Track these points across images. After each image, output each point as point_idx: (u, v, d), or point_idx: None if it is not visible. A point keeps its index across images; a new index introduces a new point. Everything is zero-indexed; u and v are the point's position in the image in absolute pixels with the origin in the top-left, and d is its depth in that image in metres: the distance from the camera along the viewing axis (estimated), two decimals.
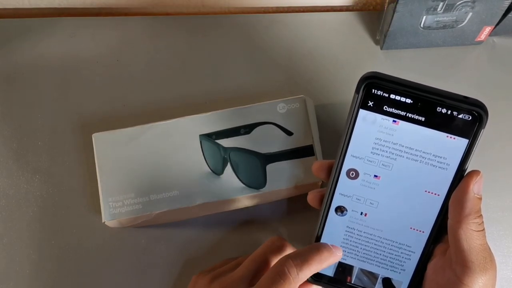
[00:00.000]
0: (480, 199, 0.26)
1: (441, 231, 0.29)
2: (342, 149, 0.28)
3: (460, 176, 0.27)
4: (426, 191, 0.28)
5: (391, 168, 0.28)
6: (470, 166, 0.27)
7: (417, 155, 0.27)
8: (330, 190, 0.29)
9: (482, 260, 0.26)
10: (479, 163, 0.30)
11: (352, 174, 0.29)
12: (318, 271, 0.28)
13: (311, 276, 0.31)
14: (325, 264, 0.28)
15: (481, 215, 0.26)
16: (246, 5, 0.45)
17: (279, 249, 0.32)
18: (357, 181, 0.29)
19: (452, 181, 0.27)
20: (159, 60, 0.43)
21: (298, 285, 0.27)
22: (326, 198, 0.30)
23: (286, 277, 0.27)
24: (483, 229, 0.26)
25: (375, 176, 0.28)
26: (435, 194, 0.28)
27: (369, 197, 0.29)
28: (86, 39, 0.43)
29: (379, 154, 0.28)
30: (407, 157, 0.27)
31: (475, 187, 0.26)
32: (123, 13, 0.47)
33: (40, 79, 0.42)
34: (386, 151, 0.28)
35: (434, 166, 0.27)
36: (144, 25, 0.44)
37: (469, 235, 0.26)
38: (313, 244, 0.30)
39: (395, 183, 0.28)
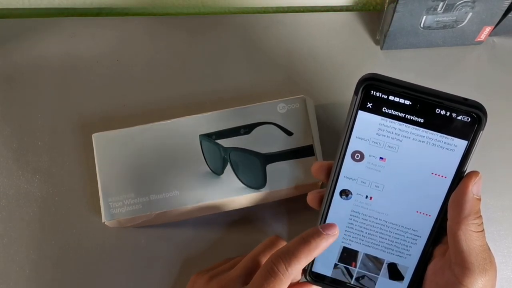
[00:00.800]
0: (479, 200, 0.26)
1: (441, 232, 0.29)
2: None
3: (460, 177, 0.27)
4: (432, 173, 0.28)
5: (396, 150, 0.28)
6: (469, 166, 0.27)
7: (423, 136, 0.27)
8: (335, 173, 0.29)
9: (482, 261, 0.26)
10: (479, 164, 0.30)
11: (357, 156, 0.28)
12: (309, 261, 0.28)
13: (311, 277, 0.31)
14: (315, 252, 0.28)
15: (480, 216, 0.26)
16: (246, 5, 0.45)
17: (276, 248, 0.32)
18: (362, 164, 0.28)
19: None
20: (159, 60, 0.43)
21: (289, 280, 0.27)
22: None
23: (276, 274, 0.27)
24: (483, 230, 0.26)
25: (381, 158, 0.28)
26: (442, 176, 0.27)
27: (374, 180, 0.29)
28: (86, 39, 0.43)
29: (384, 136, 0.28)
30: (413, 139, 0.27)
31: (474, 188, 0.26)
32: (123, 13, 0.47)
33: (40, 79, 0.42)
34: (392, 132, 0.27)
35: (441, 147, 0.27)
36: (144, 25, 0.44)
37: (469, 236, 0.26)
38: (301, 235, 0.29)
39: (401, 166, 0.28)
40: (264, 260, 0.31)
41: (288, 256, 0.27)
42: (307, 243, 0.28)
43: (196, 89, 0.42)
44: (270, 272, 0.27)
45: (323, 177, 0.30)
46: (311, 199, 0.31)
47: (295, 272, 0.27)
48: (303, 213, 0.39)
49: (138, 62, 0.43)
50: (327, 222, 0.30)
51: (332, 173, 0.29)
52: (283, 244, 0.32)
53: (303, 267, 0.28)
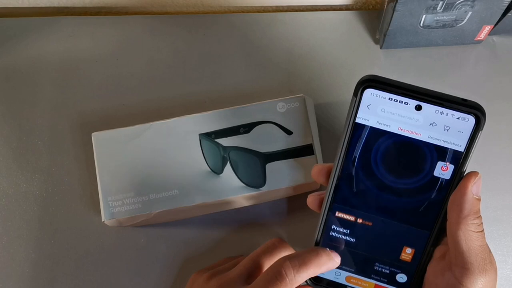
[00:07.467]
0: (479, 200, 0.26)
1: (441, 233, 0.29)
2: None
3: (459, 178, 0.27)
4: (433, 174, 0.28)
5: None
6: (468, 166, 0.27)
7: (423, 137, 0.27)
8: (334, 176, 0.29)
9: (482, 261, 0.26)
10: (479, 163, 0.30)
11: None
12: (315, 274, 0.28)
13: (310, 279, 0.31)
14: (323, 268, 0.28)
15: (480, 216, 0.26)
16: (246, 4, 0.45)
17: (278, 250, 0.32)
18: None
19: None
20: (158, 60, 0.43)
21: (294, 287, 0.27)
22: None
23: (282, 278, 0.26)
24: (482, 230, 0.26)
25: None
26: (442, 177, 0.27)
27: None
28: (86, 39, 0.43)
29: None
30: (412, 140, 0.27)
31: (474, 188, 0.26)
32: (123, 12, 0.47)
33: (39, 79, 0.42)
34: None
35: (440, 148, 0.27)
36: (143, 24, 0.44)
37: (468, 236, 0.26)
38: (312, 247, 0.29)
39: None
40: (265, 261, 0.31)
41: (298, 262, 0.27)
42: (318, 256, 0.28)
43: (195, 88, 0.42)
44: (277, 275, 0.27)
45: (323, 180, 0.30)
46: (311, 201, 0.31)
47: (300, 280, 0.27)
48: (302, 212, 0.39)
49: (137, 61, 0.43)
50: (327, 224, 0.30)
51: (331, 176, 0.29)
52: (285, 246, 0.32)
53: (308, 278, 0.28)
